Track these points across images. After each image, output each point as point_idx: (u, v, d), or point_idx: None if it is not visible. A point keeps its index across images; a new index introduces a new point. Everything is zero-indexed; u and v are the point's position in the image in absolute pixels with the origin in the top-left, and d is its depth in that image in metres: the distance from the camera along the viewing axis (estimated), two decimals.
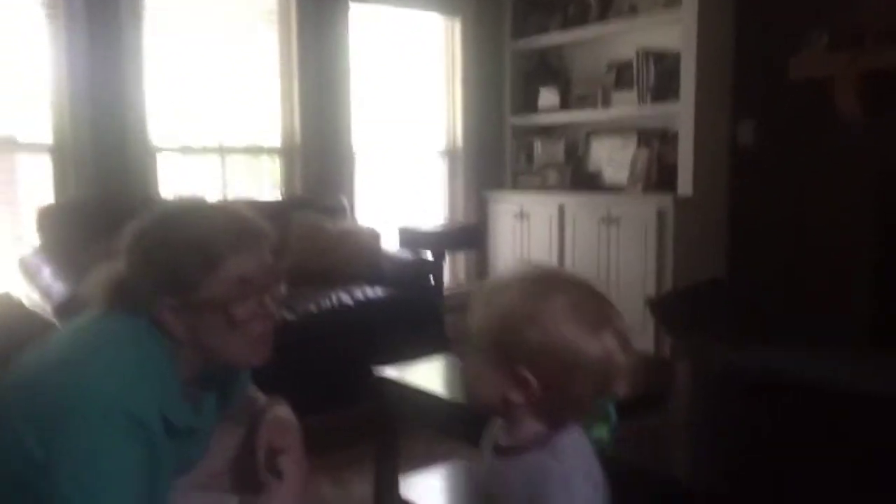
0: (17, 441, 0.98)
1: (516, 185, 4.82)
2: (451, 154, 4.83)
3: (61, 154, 3.38)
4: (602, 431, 1.55)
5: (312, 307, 3.20)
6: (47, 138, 3.36)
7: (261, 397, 1.42)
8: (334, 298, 3.30)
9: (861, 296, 3.46)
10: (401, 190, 4.62)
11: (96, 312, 1.13)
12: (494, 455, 1.02)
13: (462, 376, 1.02)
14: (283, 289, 1.16)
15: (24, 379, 1.05)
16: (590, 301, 0.95)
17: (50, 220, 3.03)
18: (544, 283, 0.96)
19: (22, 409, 1.01)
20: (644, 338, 3.78)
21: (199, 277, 1.07)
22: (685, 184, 3.85)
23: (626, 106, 4.24)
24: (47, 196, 3.32)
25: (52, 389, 1.00)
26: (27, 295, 2.63)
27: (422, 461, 2.39)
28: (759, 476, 1.45)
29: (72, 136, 3.36)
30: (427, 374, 2.08)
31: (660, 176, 4.08)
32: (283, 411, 1.34)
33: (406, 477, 2.09)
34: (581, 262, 4.15)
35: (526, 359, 0.93)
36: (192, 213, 1.13)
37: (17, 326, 1.69)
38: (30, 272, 2.79)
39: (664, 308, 3.67)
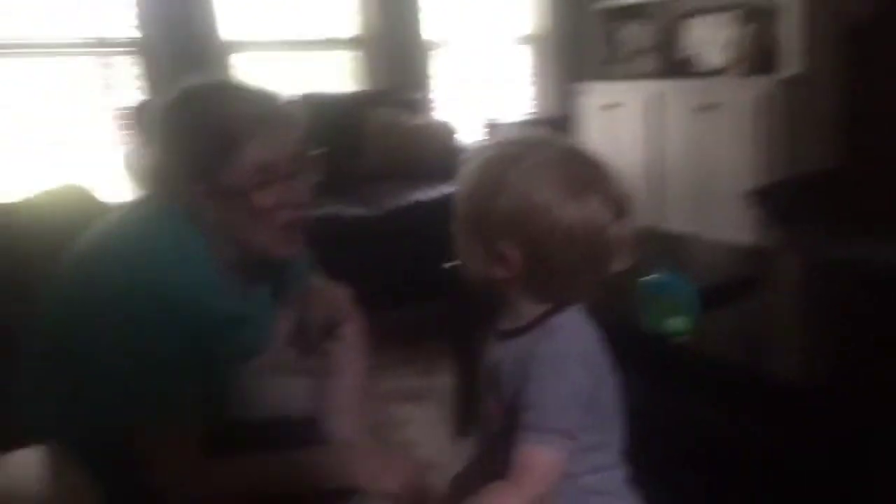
0: (60, 324, 1.05)
1: (603, 75, 4.53)
2: (536, 42, 4.57)
3: (150, 52, 3.40)
4: (678, 323, 1.45)
5: (388, 203, 3.16)
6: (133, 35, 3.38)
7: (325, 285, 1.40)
8: (410, 195, 3.23)
9: None
10: (485, 83, 4.43)
11: (139, 199, 1.14)
12: (496, 338, 0.96)
13: (457, 255, 0.94)
14: (312, 178, 1.11)
15: (66, 267, 1.08)
16: (571, 164, 0.86)
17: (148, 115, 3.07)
18: (515, 147, 0.87)
19: (63, 297, 1.05)
20: (744, 233, 3.55)
21: (219, 164, 1.04)
22: (791, 62, 3.48)
23: None
24: (136, 95, 3.36)
25: (91, 279, 1.03)
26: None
27: None
28: (859, 371, 1.31)
29: (158, 33, 3.37)
30: None
31: (761, 56, 3.71)
32: (336, 288, 1.33)
33: None
34: (675, 153, 3.90)
35: (500, 231, 0.85)
36: (212, 97, 1.08)
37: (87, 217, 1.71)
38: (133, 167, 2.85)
39: (768, 199, 3.41)
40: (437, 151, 3.50)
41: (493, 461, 0.91)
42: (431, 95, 4.08)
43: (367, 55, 4.01)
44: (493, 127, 4.07)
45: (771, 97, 3.45)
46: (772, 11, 3.66)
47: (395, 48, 3.97)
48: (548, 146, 0.87)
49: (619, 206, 0.88)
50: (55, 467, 1.16)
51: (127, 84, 3.40)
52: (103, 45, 3.38)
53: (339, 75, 4.04)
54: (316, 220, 1.17)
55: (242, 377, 1.18)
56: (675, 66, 4.17)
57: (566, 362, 0.86)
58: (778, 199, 3.40)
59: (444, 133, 3.55)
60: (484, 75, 4.42)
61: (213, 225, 1.08)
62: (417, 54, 4.07)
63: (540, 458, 0.83)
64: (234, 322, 1.12)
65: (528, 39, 4.55)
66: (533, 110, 4.60)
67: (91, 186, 1.89)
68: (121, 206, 1.17)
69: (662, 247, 2.47)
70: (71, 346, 1.04)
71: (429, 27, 4.07)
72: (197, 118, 1.06)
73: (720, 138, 3.67)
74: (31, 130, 3.24)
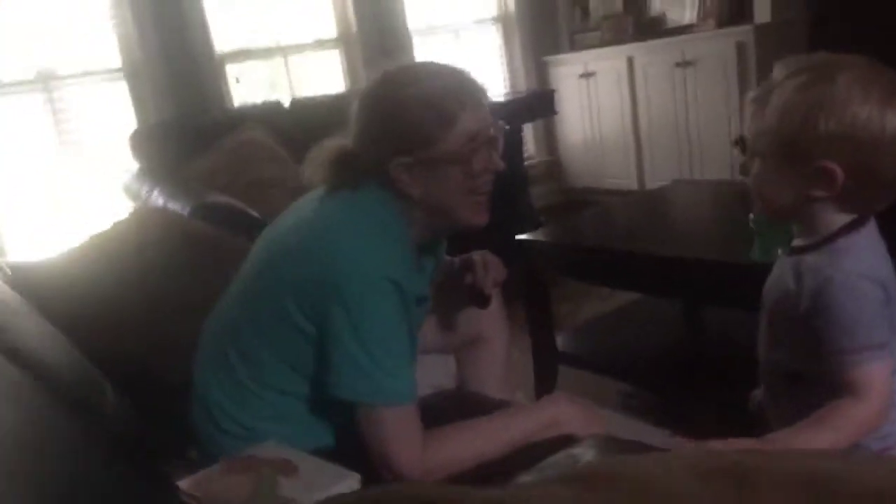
0: (284, 311, 1.09)
1: (575, 46, 4.63)
2: (503, 19, 4.64)
3: (136, 78, 3.37)
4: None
5: None
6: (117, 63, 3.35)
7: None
8: None
9: None
10: (460, 64, 4.47)
11: (322, 192, 1.17)
12: (788, 255, 1.01)
13: (752, 186, 0.98)
14: (501, 144, 1.15)
15: (282, 255, 1.13)
16: (874, 74, 0.89)
17: (144, 142, 3.04)
18: (819, 69, 0.90)
19: (287, 284, 1.09)
20: (735, 175, 3.71)
21: (437, 133, 1.08)
22: (763, 9, 3.64)
23: None
24: (129, 121, 3.32)
25: (316, 266, 1.07)
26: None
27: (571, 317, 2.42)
28: None
29: (142, 58, 3.34)
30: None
31: (731, 6, 3.87)
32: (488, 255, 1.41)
33: (560, 332, 2.13)
34: (657, 113, 4.03)
35: (823, 150, 0.88)
36: (417, 74, 1.14)
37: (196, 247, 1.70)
38: (135, 194, 2.81)
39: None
40: None
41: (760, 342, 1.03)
42: None
43: (348, 52, 4.02)
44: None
45: (744, 47, 3.61)
46: None
47: (378, 42, 3.99)
48: (846, 62, 0.90)
49: None
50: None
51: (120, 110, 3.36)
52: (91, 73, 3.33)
53: (326, 75, 4.04)
54: None
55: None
56: (646, 26, 4.29)
57: (862, 281, 0.90)
58: None
59: None
60: (458, 59, 4.47)
61: (415, 201, 1.12)
62: (400, 46, 4.09)
63: (873, 373, 0.88)
64: (422, 301, 1.16)
65: (496, 17, 4.62)
66: (509, 88, 4.67)
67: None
68: (309, 201, 1.21)
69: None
70: (305, 334, 1.09)
71: (404, 18, 4.10)
72: (410, 93, 1.10)
73: (700, 92, 3.81)
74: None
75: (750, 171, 0.97)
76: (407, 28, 4.12)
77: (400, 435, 1.04)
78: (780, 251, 1.52)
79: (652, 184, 3.99)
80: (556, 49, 4.67)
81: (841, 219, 0.94)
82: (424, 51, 4.27)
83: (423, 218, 1.15)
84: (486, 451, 1.10)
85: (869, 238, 0.94)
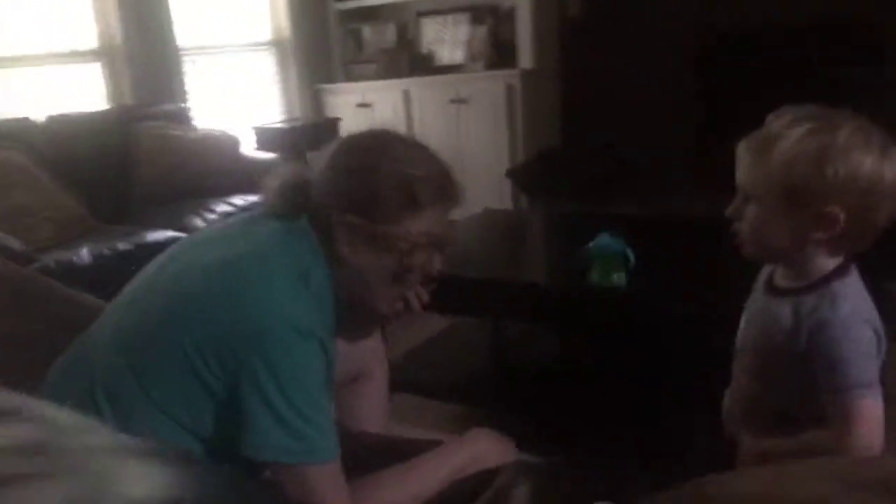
0: (186, 361, 0.97)
1: (350, 76, 4.70)
2: (278, 45, 4.56)
3: None
4: (621, 278, 1.74)
5: (198, 220, 3.00)
6: None
7: None
8: (217, 210, 3.10)
9: (682, 148, 3.94)
10: (232, 90, 4.30)
11: (264, 213, 1.10)
12: (770, 295, 1.06)
13: (748, 230, 1.01)
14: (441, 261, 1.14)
15: (194, 290, 1.02)
16: (869, 126, 0.95)
17: None
18: (821, 119, 0.95)
19: (196, 330, 0.97)
20: (505, 204, 4.04)
21: (398, 216, 1.05)
22: (526, 58, 4.03)
23: None
24: None
25: (237, 313, 0.97)
26: None
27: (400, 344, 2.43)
28: None
29: None
30: None
31: (496, 52, 4.21)
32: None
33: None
34: (434, 145, 4.16)
35: (826, 196, 0.92)
36: (413, 154, 1.09)
37: None
38: None
39: (521, 176, 3.93)
40: (224, 164, 3.37)
41: (737, 387, 1.09)
42: (187, 106, 3.86)
43: (111, 67, 3.67)
44: (260, 132, 4.01)
45: (512, 89, 3.96)
46: (500, 11, 4.18)
47: (145, 58, 3.69)
48: (844, 115, 0.95)
49: None
50: None
51: None
52: None
53: (83, 90, 3.63)
54: None
55: None
56: (420, 63, 4.50)
57: (857, 324, 0.95)
58: (526, 175, 3.95)
59: (228, 143, 3.43)
60: (231, 82, 4.30)
61: (340, 259, 1.06)
62: (169, 64, 3.83)
63: (869, 410, 0.93)
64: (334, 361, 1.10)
65: (270, 44, 4.53)
66: (285, 114, 4.59)
67: None
68: (249, 218, 1.13)
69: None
70: (213, 376, 0.97)
71: (173, 34, 3.85)
72: (394, 166, 1.05)
73: (472, 127, 4.10)
74: None
75: (744, 216, 1.01)
76: (176, 45, 3.87)
77: (332, 491, 0.98)
78: (616, 277, 1.73)
79: None
80: (331, 78, 4.70)
81: (829, 262, 0.99)
82: (195, 71, 4.04)
83: (344, 282, 1.09)
84: (420, 493, 1.08)
85: (858, 283, 1.00)
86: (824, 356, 0.95)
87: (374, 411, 1.38)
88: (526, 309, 1.92)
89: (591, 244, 1.72)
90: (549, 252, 2.42)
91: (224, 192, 3.25)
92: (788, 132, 0.94)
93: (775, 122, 0.98)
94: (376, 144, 1.08)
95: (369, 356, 1.37)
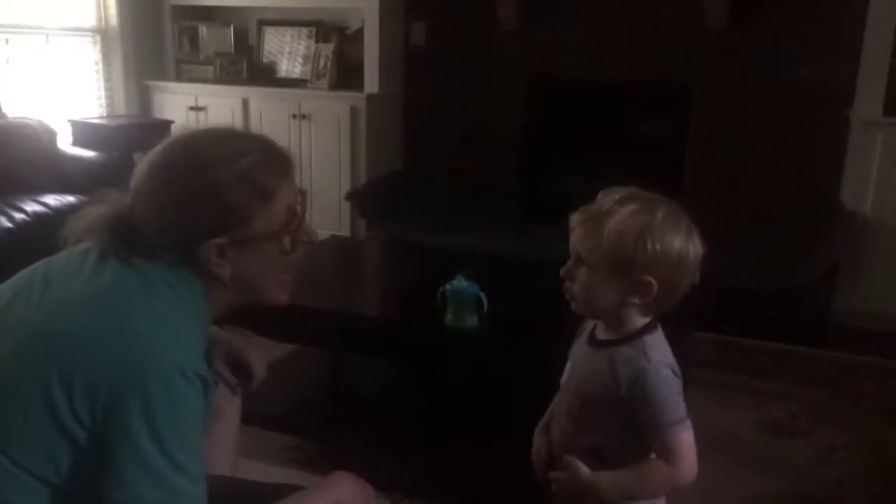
0: (44, 407, 0.89)
1: (181, 75, 4.46)
2: (103, 33, 4.22)
3: None
4: (473, 319, 1.80)
5: (2, 219, 2.70)
6: None
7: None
8: (27, 209, 2.81)
9: (515, 182, 4.16)
10: (47, 77, 3.91)
11: (94, 255, 1.00)
12: (593, 346, 1.19)
13: (579, 290, 1.13)
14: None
15: (61, 326, 0.94)
16: (676, 209, 1.12)
17: None
18: (643, 202, 1.10)
19: (57, 373, 0.89)
20: (343, 226, 4.02)
21: (256, 211, 1.01)
22: (372, 81, 4.05)
23: None
24: None
25: (107, 354, 0.90)
26: None
27: None
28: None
29: None
30: None
31: (339, 73, 4.19)
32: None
33: None
34: None
35: (644, 267, 1.08)
36: (227, 144, 1.03)
37: None
38: None
39: (361, 199, 3.93)
40: (39, 157, 3.06)
41: (557, 426, 1.21)
42: None
43: None
44: (78, 127, 3.68)
45: (357, 111, 3.97)
46: (346, 32, 4.18)
47: None
48: (655, 200, 1.11)
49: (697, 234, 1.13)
50: None
51: None
52: None
53: None
54: None
55: None
56: (259, 72, 4.37)
57: (664, 368, 1.11)
58: (367, 200, 3.97)
59: (44, 135, 3.11)
60: (47, 69, 3.91)
61: (222, 282, 1.02)
62: None
63: (687, 440, 1.09)
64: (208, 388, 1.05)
65: (94, 31, 4.18)
66: (107, 109, 4.26)
67: None
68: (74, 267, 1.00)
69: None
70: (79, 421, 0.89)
71: None
72: (224, 173, 0.99)
73: (315, 145, 4.05)
74: None
75: (575, 277, 1.14)
76: None
77: None
78: (469, 319, 1.79)
79: None
80: (162, 75, 4.43)
81: (641, 319, 1.15)
82: (7, 52, 3.64)
83: (223, 297, 1.05)
84: None
85: (661, 335, 1.17)
86: (645, 399, 1.09)
87: (225, 452, 1.33)
88: (375, 344, 1.93)
89: (447, 286, 1.77)
90: (398, 287, 2.45)
91: (36, 189, 2.96)
92: (619, 210, 1.09)
93: (605, 198, 1.13)
94: (192, 157, 1.01)
95: (224, 395, 1.32)
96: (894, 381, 2.68)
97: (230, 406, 1.35)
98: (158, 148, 1.04)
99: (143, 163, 1.03)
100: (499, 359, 1.79)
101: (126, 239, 0.99)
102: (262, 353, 1.36)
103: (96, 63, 4.24)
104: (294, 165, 1.08)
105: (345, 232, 4.05)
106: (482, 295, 1.76)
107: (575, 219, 1.13)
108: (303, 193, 1.09)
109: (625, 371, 1.12)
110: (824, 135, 3.46)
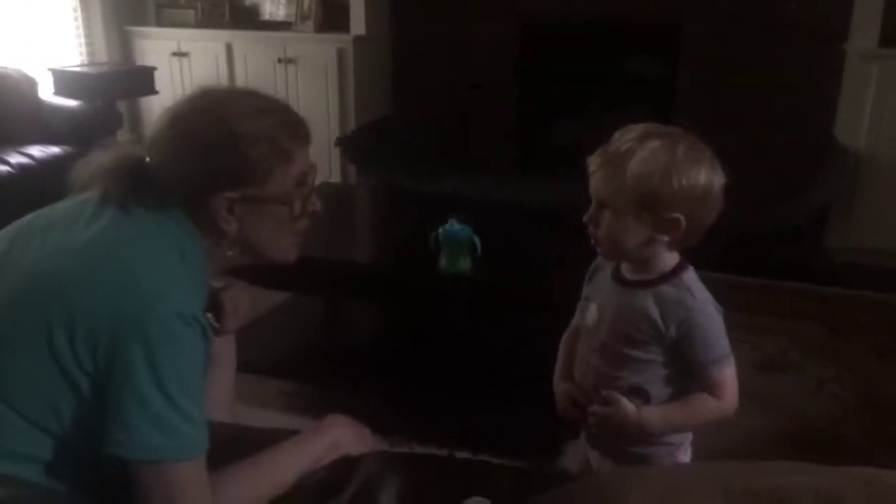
0: (46, 353, 0.91)
1: (162, 19, 4.34)
2: None
3: None
4: (467, 263, 1.79)
5: None
6: None
7: None
8: (11, 161, 2.76)
9: (508, 126, 4.11)
10: (25, 27, 3.80)
11: (95, 202, 1.00)
12: (623, 287, 1.17)
13: (605, 234, 1.11)
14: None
15: (64, 271, 0.94)
16: (697, 142, 1.09)
17: None
18: (663, 138, 1.07)
19: (59, 319, 0.90)
20: (333, 173, 3.98)
21: (273, 169, 1.01)
22: (358, 22, 3.95)
23: None
24: None
25: (110, 298, 0.91)
26: None
27: None
28: None
29: None
30: None
31: (325, 14, 4.08)
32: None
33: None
34: None
35: (671, 205, 1.06)
36: (248, 105, 1.03)
37: None
38: None
39: (350, 146, 3.88)
40: (19, 107, 2.99)
41: (586, 367, 1.20)
42: None
43: None
44: (59, 76, 3.59)
45: (344, 54, 3.88)
46: None
47: None
48: (677, 134, 1.08)
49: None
50: None
51: None
52: None
53: None
54: None
55: None
56: (243, 15, 4.25)
57: (712, 308, 1.12)
58: (357, 146, 3.91)
59: (23, 85, 3.04)
60: (25, 18, 3.79)
61: (226, 236, 1.03)
62: None
63: (731, 375, 1.12)
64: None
65: None
66: (88, 57, 4.15)
67: None
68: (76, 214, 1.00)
69: None
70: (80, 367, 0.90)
71: None
72: (245, 128, 0.98)
73: (302, 90, 3.97)
74: None
75: (599, 222, 1.11)
76: None
77: (193, 488, 0.94)
78: (463, 263, 1.78)
79: None
80: (143, 20, 4.31)
81: (669, 256, 1.13)
82: None
83: (227, 251, 1.06)
84: (280, 483, 1.05)
85: (695, 273, 1.15)
86: (694, 338, 1.10)
87: (222, 399, 1.33)
88: (369, 290, 1.92)
89: (440, 230, 1.76)
90: (391, 233, 2.43)
91: (19, 140, 2.90)
92: (638, 149, 1.06)
93: (622, 138, 1.09)
94: (216, 109, 1.02)
95: (219, 341, 1.31)
96: (886, 316, 2.70)
97: (226, 352, 1.35)
98: (182, 98, 1.04)
99: (164, 112, 1.04)
100: (493, 301, 1.79)
101: (134, 188, 0.99)
102: (249, 297, 1.36)
103: (75, 9, 4.12)
104: (309, 132, 1.08)
105: (335, 178, 4.01)
106: (475, 237, 1.75)
107: (594, 162, 1.10)
108: (313, 166, 1.09)
109: (672, 311, 1.11)
110: (818, 70, 3.41)
